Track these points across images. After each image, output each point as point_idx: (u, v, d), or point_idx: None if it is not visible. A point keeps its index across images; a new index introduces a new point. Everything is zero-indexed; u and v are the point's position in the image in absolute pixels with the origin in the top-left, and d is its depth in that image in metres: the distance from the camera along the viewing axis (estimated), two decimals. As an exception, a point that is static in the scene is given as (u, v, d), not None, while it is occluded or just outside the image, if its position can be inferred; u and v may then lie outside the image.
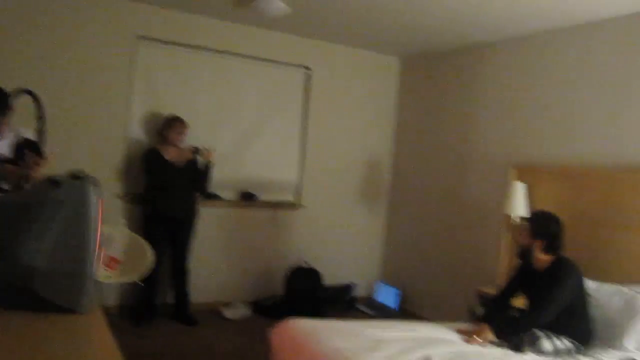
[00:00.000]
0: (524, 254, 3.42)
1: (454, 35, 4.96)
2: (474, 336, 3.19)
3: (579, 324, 3.24)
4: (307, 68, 5.70)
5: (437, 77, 5.67)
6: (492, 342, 3.20)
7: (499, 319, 3.36)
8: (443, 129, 5.51)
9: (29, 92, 2.52)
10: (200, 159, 4.89)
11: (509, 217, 4.38)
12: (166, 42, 5.01)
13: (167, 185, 4.73)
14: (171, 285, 4.97)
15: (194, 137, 5.16)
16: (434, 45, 5.43)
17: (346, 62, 5.88)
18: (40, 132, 2.68)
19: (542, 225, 3.33)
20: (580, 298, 3.27)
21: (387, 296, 5.84)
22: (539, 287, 3.27)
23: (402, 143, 6.12)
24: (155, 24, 4.93)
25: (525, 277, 3.49)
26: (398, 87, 6.20)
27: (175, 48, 5.06)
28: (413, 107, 5.99)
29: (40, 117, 2.62)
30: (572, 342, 3.17)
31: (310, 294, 5.27)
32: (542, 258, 3.34)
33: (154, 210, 4.73)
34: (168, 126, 4.77)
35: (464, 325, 3.47)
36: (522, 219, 3.44)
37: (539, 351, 3.08)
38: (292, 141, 5.73)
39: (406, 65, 6.13)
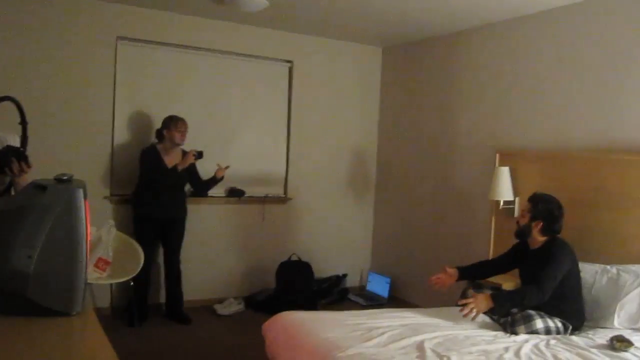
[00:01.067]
0: (522, 234, 3.49)
1: (434, 23, 4.98)
2: (468, 305, 3.19)
3: (571, 305, 3.30)
4: (289, 62, 5.71)
5: (419, 65, 5.70)
6: (485, 313, 3.30)
7: (499, 293, 3.43)
8: (427, 117, 5.55)
9: (10, 99, 2.50)
10: (196, 164, 4.86)
11: (495, 202, 4.42)
12: (146, 42, 4.99)
13: (160, 186, 4.68)
14: (164, 285, 4.97)
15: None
16: (415, 34, 5.45)
17: (328, 54, 5.89)
18: (24, 137, 2.67)
19: (543, 207, 3.40)
20: (574, 279, 3.34)
21: (378, 285, 5.88)
22: (533, 265, 3.35)
23: (386, 132, 6.14)
24: (134, 24, 4.90)
25: (519, 256, 3.57)
26: (381, 77, 6.22)
27: (156, 47, 5.05)
28: (396, 96, 6.02)
29: (23, 123, 2.61)
30: (564, 323, 3.23)
31: (302, 287, 5.30)
32: (538, 239, 3.42)
33: (145, 211, 4.70)
34: (170, 125, 4.68)
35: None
36: (528, 198, 3.53)
37: (532, 329, 3.14)
38: (278, 135, 5.74)
39: (388, 55, 6.15)
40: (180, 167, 4.61)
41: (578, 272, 3.39)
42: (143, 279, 4.52)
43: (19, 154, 2.63)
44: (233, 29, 5.34)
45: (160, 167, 4.65)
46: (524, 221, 3.46)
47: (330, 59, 5.90)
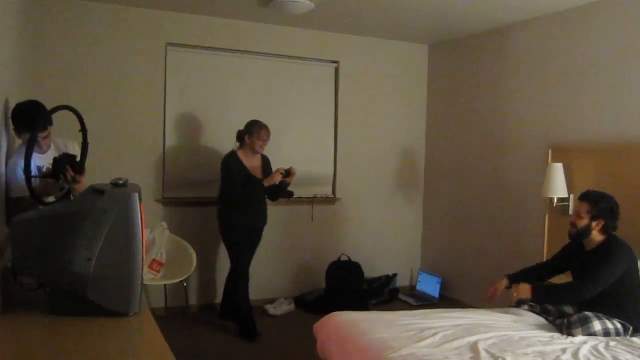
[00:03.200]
0: (580, 236, 3.29)
1: (482, 18, 4.89)
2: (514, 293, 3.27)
3: (631, 305, 3.18)
4: (335, 62, 5.71)
5: (467, 61, 5.60)
6: (539, 314, 3.32)
7: (540, 285, 3.36)
8: (476, 114, 5.45)
9: (69, 108, 2.59)
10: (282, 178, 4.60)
11: (549, 199, 4.31)
12: (195, 47, 5.08)
13: (247, 195, 4.52)
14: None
15: (228, 137, 5.24)
16: (462, 30, 5.36)
17: (374, 53, 5.86)
18: (84, 144, 2.77)
19: (605, 205, 3.24)
20: (633, 278, 3.20)
21: (429, 285, 5.82)
22: (588, 264, 3.23)
23: (435, 130, 6.07)
24: (182, 30, 5.00)
25: (573, 257, 3.43)
26: (428, 75, 6.15)
27: (204, 52, 5.13)
28: (444, 93, 5.94)
29: (82, 130, 2.70)
30: (623, 324, 3.11)
31: (352, 287, 5.29)
32: (597, 239, 3.26)
33: (235, 219, 4.52)
34: (253, 132, 4.48)
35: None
36: (579, 199, 3.37)
37: (589, 332, 3.04)
38: (325, 135, 5.75)
39: (435, 52, 6.08)
40: (266, 184, 4.46)
41: (637, 271, 3.24)
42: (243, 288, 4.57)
43: (73, 162, 2.71)
44: (279, 32, 5.38)
45: (248, 177, 4.47)
46: (582, 222, 3.25)
47: (376, 58, 5.87)
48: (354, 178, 5.84)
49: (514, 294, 3.23)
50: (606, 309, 3.14)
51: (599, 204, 3.23)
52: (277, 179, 4.46)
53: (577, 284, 3.18)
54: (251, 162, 4.57)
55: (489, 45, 5.30)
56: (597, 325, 3.06)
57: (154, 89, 4.95)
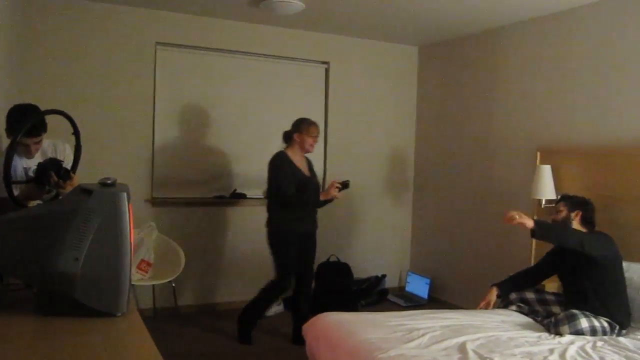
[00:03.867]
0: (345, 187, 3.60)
1: (472, 20, 4.92)
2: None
3: (615, 301, 3.24)
4: (325, 63, 5.71)
5: (457, 63, 5.63)
6: (527, 315, 3.44)
7: (544, 220, 3.45)
8: (465, 115, 5.48)
9: (61, 113, 2.57)
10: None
11: (537, 201, 4.34)
12: (185, 47, 5.07)
13: (303, 202, 4.26)
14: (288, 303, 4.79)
15: (218, 137, 5.24)
16: (452, 32, 5.39)
17: (364, 54, 5.87)
18: (77, 147, 2.74)
19: (577, 199, 3.48)
20: (616, 273, 3.28)
21: (418, 286, 5.83)
22: (575, 259, 3.30)
23: (424, 131, 6.09)
24: (172, 29, 4.98)
25: (558, 260, 3.51)
26: (417, 76, 6.17)
27: (194, 51, 5.12)
28: (434, 95, 5.96)
29: (75, 134, 2.68)
30: (609, 323, 3.15)
31: (341, 288, 5.29)
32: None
33: (288, 225, 4.25)
34: (302, 129, 4.23)
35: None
36: (557, 199, 3.62)
37: (576, 329, 3.07)
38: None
39: (425, 53, 6.10)
40: (322, 198, 4.22)
41: (621, 266, 3.31)
42: (297, 295, 4.44)
43: (58, 168, 2.67)
44: (269, 32, 5.37)
45: (303, 183, 4.23)
46: (562, 214, 3.46)
47: (366, 60, 5.88)
48: (343, 179, 5.81)
49: (516, 216, 3.19)
50: (592, 308, 3.19)
51: (573, 198, 3.49)
52: (333, 194, 4.16)
53: (582, 236, 3.26)
54: (300, 163, 4.30)
55: (479, 48, 5.32)
56: (584, 323, 3.09)
57: (143, 88, 4.92)
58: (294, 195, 4.15)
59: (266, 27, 5.34)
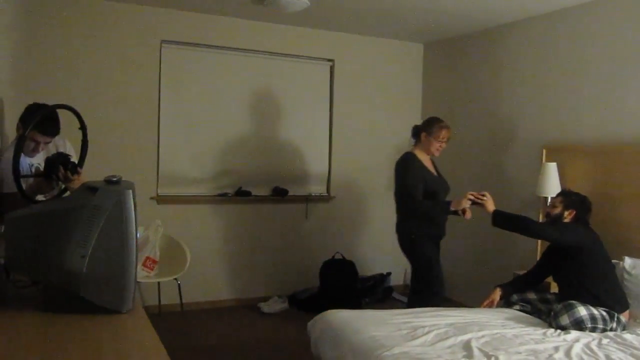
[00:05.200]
0: (553, 223, 3.50)
1: (477, 17, 4.90)
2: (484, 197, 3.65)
3: (604, 290, 3.26)
4: (330, 60, 5.71)
5: (462, 60, 5.61)
6: (532, 314, 3.46)
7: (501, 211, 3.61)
8: (470, 113, 5.46)
9: (68, 108, 2.59)
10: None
11: (543, 198, 4.33)
12: (190, 44, 5.07)
13: (431, 211, 3.89)
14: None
15: (223, 135, 5.25)
16: (457, 28, 5.37)
17: (369, 51, 5.86)
18: (84, 142, 2.77)
19: (576, 197, 3.51)
20: (598, 259, 3.33)
21: (423, 284, 5.82)
22: (564, 256, 3.40)
23: (429, 130, 6.07)
24: (177, 27, 4.98)
25: (554, 259, 3.55)
26: (423, 73, 6.16)
27: (199, 49, 5.12)
28: (439, 92, 5.95)
29: (82, 128, 2.71)
30: (608, 312, 3.17)
31: (346, 285, 5.29)
32: None
33: (424, 229, 3.90)
34: (432, 131, 3.90)
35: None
36: (555, 196, 3.68)
37: (575, 317, 3.09)
38: (320, 134, 5.74)
39: (430, 50, 6.08)
40: (453, 208, 3.77)
41: (601, 252, 3.36)
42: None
43: (66, 162, 2.70)
44: (274, 30, 5.37)
45: (433, 189, 3.90)
46: (556, 210, 3.51)
47: (371, 57, 5.87)
48: (348, 176, 5.84)
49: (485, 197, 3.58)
50: (584, 300, 3.21)
51: (571, 196, 3.53)
52: (465, 205, 3.73)
53: (540, 223, 3.60)
54: (428, 163, 4.00)
55: (485, 44, 5.31)
56: (582, 311, 3.12)
57: (149, 86, 4.93)
58: (423, 203, 3.83)
59: (271, 24, 5.34)
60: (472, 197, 3.69)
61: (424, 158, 3.96)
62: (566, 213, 3.46)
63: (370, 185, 5.93)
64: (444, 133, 3.87)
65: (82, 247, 1.73)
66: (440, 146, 3.92)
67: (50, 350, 1.53)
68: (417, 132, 4.02)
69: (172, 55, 5.04)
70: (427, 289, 3.92)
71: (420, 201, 3.82)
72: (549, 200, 4.25)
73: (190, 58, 5.12)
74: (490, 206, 3.53)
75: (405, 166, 3.90)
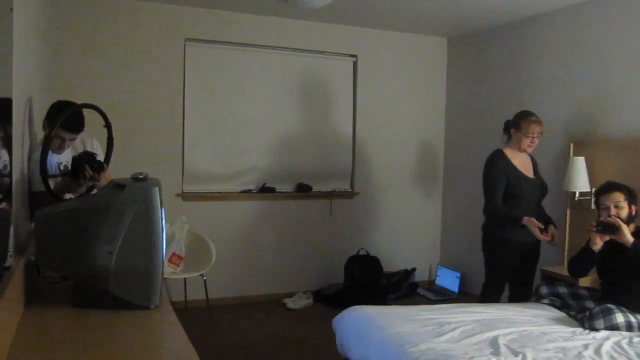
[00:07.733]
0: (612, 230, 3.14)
1: (501, 10, 4.84)
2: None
3: None
4: (353, 56, 5.69)
5: (486, 54, 5.55)
6: (560, 309, 3.32)
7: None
8: (495, 107, 5.39)
9: (93, 107, 2.63)
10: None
11: (571, 193, 4.26)
12: (213, 42, 5.10)
13: (523, 203, 3.67)
14: None
15: (247, 131, 5.26)
16: (481, 22, 5.31)
17: (392, 46, 5.82)
18: (109, 139, 2.80)
19: (632, 190, 3.26)
20: None
21: (448, 280, 5.79)
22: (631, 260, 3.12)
23: (454, 124, 6.02)
24: (201, 25, 5.01)
25: (608, 249, 3.29)
26: (447, 68, 6.10)
27: (223, 47, 5.15)
28: (463, 87, 5.89)
29: (107, 126, 2.74)
30: None
31: (371, 281, 5.28)
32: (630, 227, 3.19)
33: (506, 234, 3.67)
34: (521, 126, 3.68)
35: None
36: (608, 191, 3.28)
37: (611, 323, 3.00)
38: (343, 129, 5.73)
39: (454, 45, 6.02)
40: (524, 224, 3.54)
41: None
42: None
43: (92, 161, 2.74)
44: (297, 26, 5.37)
45: (514, 175, 3.69)
46: (624, 212, 3.21)
47: (394, 52, 5.84)
48: (372, 172, 5.82)
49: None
50: (627, 305, 3.11)
51: (630, 190, 3.25)
52: (536, 234, 3.49)
53: None
54: (521, 160, 3.78)
55: (509, 38, 5.24)
56: (619, 318, 3.01)
57: (173, 83, 4.97)
58: (498, 207, 3.65)
59: (294, 21, 5.34)
60: (540, 226, 3.46)
61: (514, 155, 3.74)
62: (633, 209, 3.22)
63: (394, 181, 5.90)
64: (533, 128, 3.64)
65: (109, 244, 1.75)
66: (531, 142, 3.68)
67: (79, 345, 1.55)
68: (507, 127, 3.83)
69: (196, 53, 5.07)
70: (485, 294, 3.87)
71: (495, 204, 3.65)
72: (577, 195, 4.18)
73: (213, 55, 5.15)
74: (629, 236, 3.00)
75: (488, 164, 3.74)
